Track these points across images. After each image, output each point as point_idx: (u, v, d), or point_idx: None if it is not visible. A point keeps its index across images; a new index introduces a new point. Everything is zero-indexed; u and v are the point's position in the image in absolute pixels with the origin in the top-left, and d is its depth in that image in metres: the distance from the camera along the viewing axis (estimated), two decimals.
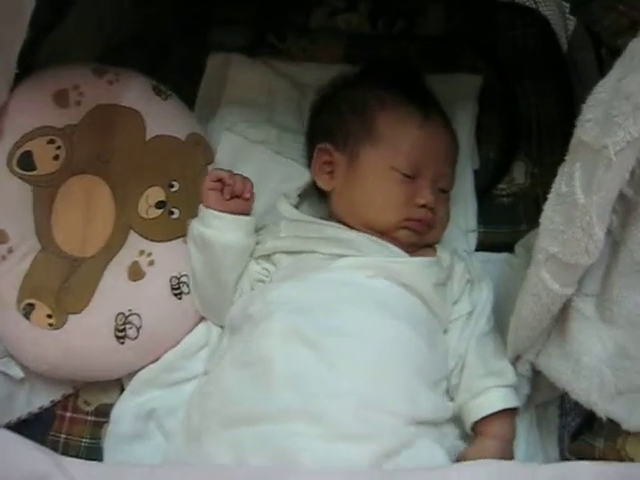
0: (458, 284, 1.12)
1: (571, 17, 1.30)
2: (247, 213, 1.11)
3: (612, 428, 0.89)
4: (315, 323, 0.98)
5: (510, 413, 1.02)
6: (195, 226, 1.09)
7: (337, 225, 1.13)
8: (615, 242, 0.86)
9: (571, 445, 1.00)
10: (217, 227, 1.08)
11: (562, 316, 0.91)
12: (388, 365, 0.97)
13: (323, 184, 1.18)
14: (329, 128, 1.19)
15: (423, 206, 1.10)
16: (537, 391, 1.06)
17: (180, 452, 1.00)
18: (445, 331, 1.10)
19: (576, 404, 0.94)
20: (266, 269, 1.13)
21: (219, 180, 1.09)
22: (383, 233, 1.10)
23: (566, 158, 0.82)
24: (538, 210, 0.86)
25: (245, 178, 1.11)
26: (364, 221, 1.11)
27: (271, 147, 1.30)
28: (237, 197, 1.09)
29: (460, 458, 0.98)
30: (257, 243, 1.13)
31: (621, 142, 0.73)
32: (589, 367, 0.87)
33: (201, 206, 1.09)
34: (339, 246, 1.08)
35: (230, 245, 1.08)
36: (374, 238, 1.09)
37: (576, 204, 0.78)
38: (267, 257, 1.13)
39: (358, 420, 0.90)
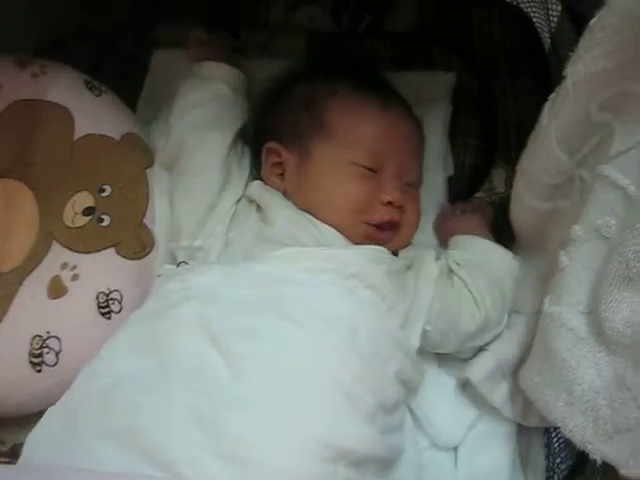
0: (425, 278, 0.99)
1: (554, 9, 1.19)
2: None
3: (608, 471, 0.76)
4: (229, 322, 0.84)
5: None
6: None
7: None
8: (612, 248, 0.74)
9: None
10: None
11: (552, 336, 0.79)
12: (307, 382, 0.79)
13: (274, 187, 1.05)
14: (276, 126, 1.07)
15: (389, 204, 0.98)
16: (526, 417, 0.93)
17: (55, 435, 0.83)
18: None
19: (566, 444, 0.81)
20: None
21: None
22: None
23: None
24: None
25: None
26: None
27: None
28: None
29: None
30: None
31: (579, 74, 0.74)
32: (582, 399, 0.74)
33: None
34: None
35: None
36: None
37: (541, 126, 0.86)
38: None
39: (262, 440, 0.73)
